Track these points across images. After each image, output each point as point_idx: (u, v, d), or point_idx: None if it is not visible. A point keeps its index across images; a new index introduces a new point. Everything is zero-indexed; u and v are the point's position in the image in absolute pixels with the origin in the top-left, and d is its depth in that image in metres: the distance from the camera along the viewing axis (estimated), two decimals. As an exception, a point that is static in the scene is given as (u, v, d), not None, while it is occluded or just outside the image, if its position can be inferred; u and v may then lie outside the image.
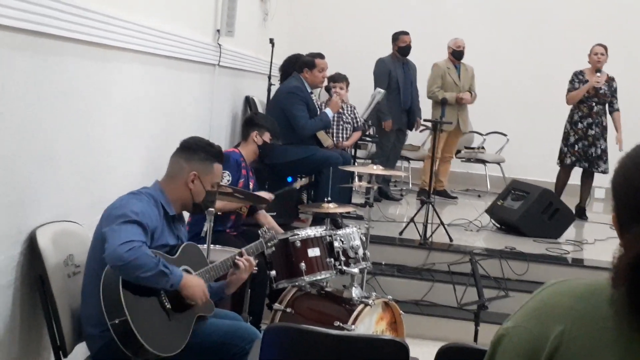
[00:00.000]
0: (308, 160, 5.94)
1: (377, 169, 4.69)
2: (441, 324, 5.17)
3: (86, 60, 3.21)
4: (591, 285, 1.25)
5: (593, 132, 7.30)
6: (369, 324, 3.87)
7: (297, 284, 3.99)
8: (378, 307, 3.94)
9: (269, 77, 6.80)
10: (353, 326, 3.69)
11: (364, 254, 4.19)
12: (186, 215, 3.40)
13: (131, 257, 2.64)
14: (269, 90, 6.75)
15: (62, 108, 3.00)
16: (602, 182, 7.78)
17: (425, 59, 7.93)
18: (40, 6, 2.69)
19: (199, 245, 3.26)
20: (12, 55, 2.59)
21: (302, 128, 5.92)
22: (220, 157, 3.26)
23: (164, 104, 4.39)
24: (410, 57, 7.76)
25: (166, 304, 2.84)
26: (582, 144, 7.34)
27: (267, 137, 4.78)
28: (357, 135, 6.89)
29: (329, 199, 4.42)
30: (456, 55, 7.87)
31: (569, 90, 7.40)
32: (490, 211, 6.95)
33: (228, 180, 4.39)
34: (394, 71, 7.55)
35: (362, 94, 7.51)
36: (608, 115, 7.40)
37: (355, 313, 3.76)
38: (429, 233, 5.92)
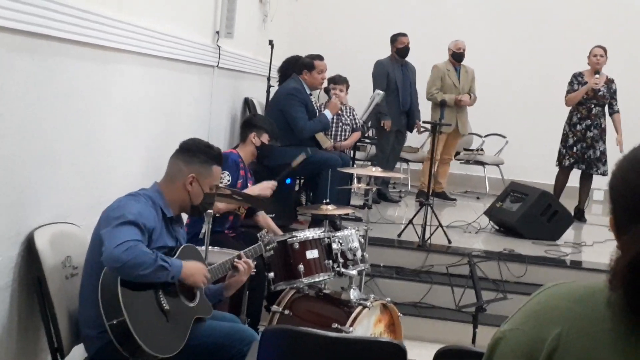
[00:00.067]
0: (307, 161, 5.93)
1: (376, 171, 4.69)
2: (439, 326, 5.17)
3: (86, 61, 3.22)
4: (588, 288, 1.25)
5: (592, 134, 7.31)
6: (367, 326, 3.87)
7: (295, 285, 3.99)
8: (376, 309, 3.94)
9: (268, 79, 6.80)
10: (351, 328, 3.69)
11: (363, 255, 4.19)
12: (185, 215, 3.40)
13: (128, 257, 2.64)
14: (268, 92, 6.75)
15: (61, 109, 3.00)
16: (601, 184, 7.76)
17: (426, 60, 7.94)
18: (40, 8, 2.69)
19: (197, 247, 3.25)
20: (12, 57, 2.59)
21: (301, 129, 5.92)
22: (219, 159, 3.25)
23: (164, 105, 4.39)
24: (410, 59, 7.76)
25: (164, 305, 2.83)
26: (580, 145, 7.34)
27: (265, 138, 4.77)
28: (356, 135, 6.88)
29: (328, 200, 4.42)
30: (456, 57, 7.88)
31: (568, 92, 7.41)
32: (489, 213, 6.95)
33: (228, 181, 4.39)
34: (393, 73, 7.55)
35: (362, 96, 7.51)
36: (607, 117, 7.40)
37: (353, 315, 3.75)
38: (427, 235, 5.92)
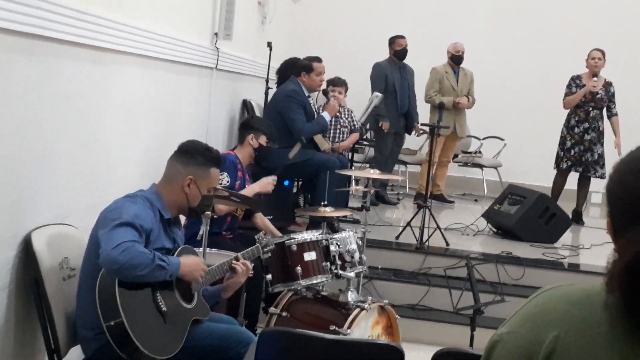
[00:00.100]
0: (305, 164, 5.94)
1: (374, 173, 4.69)
2: (437, 329, 5.17)
3: (85, 63, 3.22)
4: (586, 290, 1.25)
5: (589, 136, 7.31)
6: (365, 328, 3.87)
7: (293, 287, 3.99)
8: (374, 311, 3.94)
9: (267, 81, 6.80)
10: (349, 330, 3.69)
11: (360, 258, 4.18)
12: (182, 217, 3.40)
13: (125, 258, 2.64)
14: (266, 94, 6.75)
15: (61, 111, 3.00)
16: (599, 187, 7.75)
17: (425, 63, 7.94)
18: (39, 9, 2.69)
19: (195, 249, 3.25)
20: (12, 58, 2.59)
21: (299, 131, 5.92)
22: (218, 162, 3.23)
23: (163, 106, 4.39)
24: (410, 61, 7.76)
25: (162, 306, 2.83)
26: (578, 148, 7.35)
27: (263, 140, 4.78)
28: (354, 136, 6.88)
29: (326, 202, 4.42)
30: (455, 60, 7.88)
31: (566, 95, 7.42)
32: (487, 216, 6.95)
33: (227, 182, 4.39)
34: (391, 75, 7.56)
35: (361, 98, 7.52)
36: (605, 120, 7.41)
37: (351, 317, 3.75)
38: (425, 237, 5.92)
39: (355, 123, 6.94)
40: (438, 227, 6.04)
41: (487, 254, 5.95)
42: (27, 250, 2.79)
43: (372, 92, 7.25)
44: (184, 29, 4.71)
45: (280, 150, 5.44)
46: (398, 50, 7.63)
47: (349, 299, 3.94)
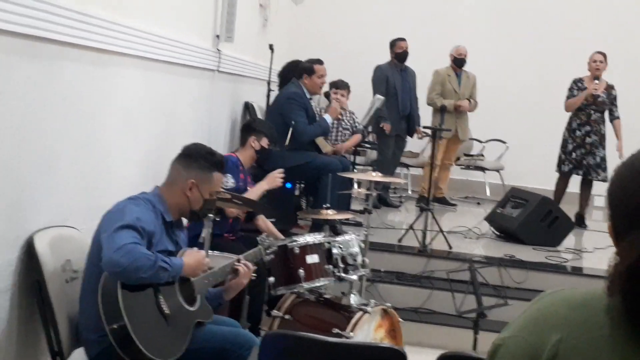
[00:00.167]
0: (307, 166, 5.94)
1: (376, 176, 4.69)
2: (440, 332, 5.16)
3: (85, 64, 3.22)
4: (587, 294, 1.25)
5: (591, 140, 7.31)
6: (368, 331, 3.86)
7: (295, 290, 3.98)
8: (377, 314, 3.93)
9: (268, 83, 6.81)
10: (351, 333, 3.68)
11: (363, 260, 4.18)
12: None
13: (128, 261, 2.63)
14: (268, 96, 6.75)
15: (61, 112, 3.00)
16: (602, 191, 7.72)
17: (428, 65, 7.93)
18: (40, 11, 2.70)
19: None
20: (12, 60, 2.60)
21: (301, 133, 5.92)
22: (221, 166, 3.22)
23: (163, 108, 4.39)
24: (412, 63, 7.76)
25: (165, 309, 2.83)
26: (579, 151, 7.34)
27: (265, 142, 4.78)
28: (356, 137, 6.85)
29: (328, 205, 4.42)
30: (457, 62, 7.88)
31: (568, 98, 7.41)
32: (490, 219, 6.94)
33: (233, 183, 4.40)
34: (392, 77, 7.56)
35: (363, 100, 7.51)
36: (607, 123, 7.40)
37: (353, 320, 3.75)
38: (428, 240, 5.92)
39: (357, 125, 6.94)
40: (441, 230, 6.04)
41: (490, 257, 5.94)
42: (29, 253, 2.79)
43: (374, 95, 7.25)
44: (185, 31, 4.72)
45: (282, 153, 5.44)
46: (399, 52, 7.63)
47: (352, 302, 3.94)
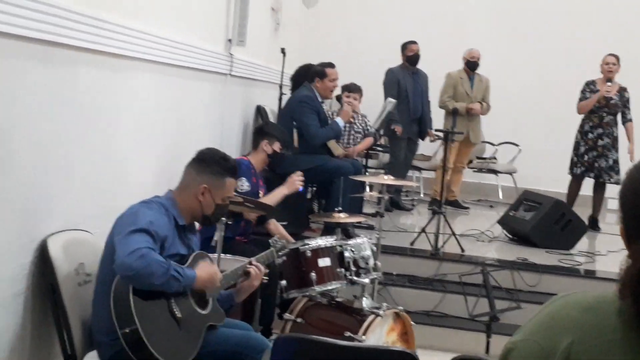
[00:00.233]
0: (319, 169, 5.94)
1: (389, 179, 4.68)
2: (452, 335, 5.14)
3: (99, 69, 3.24)
4: (599, 297, 1.25)
5: (603, 142, 7.28)
6: (380, 334, 3.86)
7: (307, 293, 3.99)
8: (389, 317, 3.92)
9: (280, 87, 6.82)
10: (364, 337, 3.68)
11: (375, 264, 4.17)
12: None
13: (141, 265, 2.64)
14: (280, 100, 6.77)
15: (74, 117, 3.02)
16: (615, 193, 7.67)
17: (440, 68, 7.92)
18: (55, 17, 2.72)
19: (209, 254, 3.26)
20: (27, 65, 2.62)
21: (313, 136, 5.92)
22: (234, 172, 3.22)
23: (176, 112, 4.41)
24: (425, 67, 7.75)
25: (176, 312, 2.84)
26: (591, 154, 7.31)
27: (277, 146, 4.78)
28: (368, 140, 6.85)
29: (340, 208, 4.42)
30: (470, 65, 7.86)
31: (580, 100, 7.39)
32: (502, 222, 6.92)
33: (248, 187, 4.41)
34: (403, 80, 7.55)
35: (375, 103, 7.51)
36: (620, 126, 7.36)
37: (365, 324, 3.74)
38: (440, 243, 5.90)
39: (368, 128, 6.94)
40: (453, 233, 6.02)
41: (502, 261, 5.92)
42: (43, 256, 2.81)
43: (385, 98, 7.25)
44: (197, 35, 4.74)
45: (294, 157, 5.45)
46: (410, 55, 7.63)
47: (364, 305, 3.93)
